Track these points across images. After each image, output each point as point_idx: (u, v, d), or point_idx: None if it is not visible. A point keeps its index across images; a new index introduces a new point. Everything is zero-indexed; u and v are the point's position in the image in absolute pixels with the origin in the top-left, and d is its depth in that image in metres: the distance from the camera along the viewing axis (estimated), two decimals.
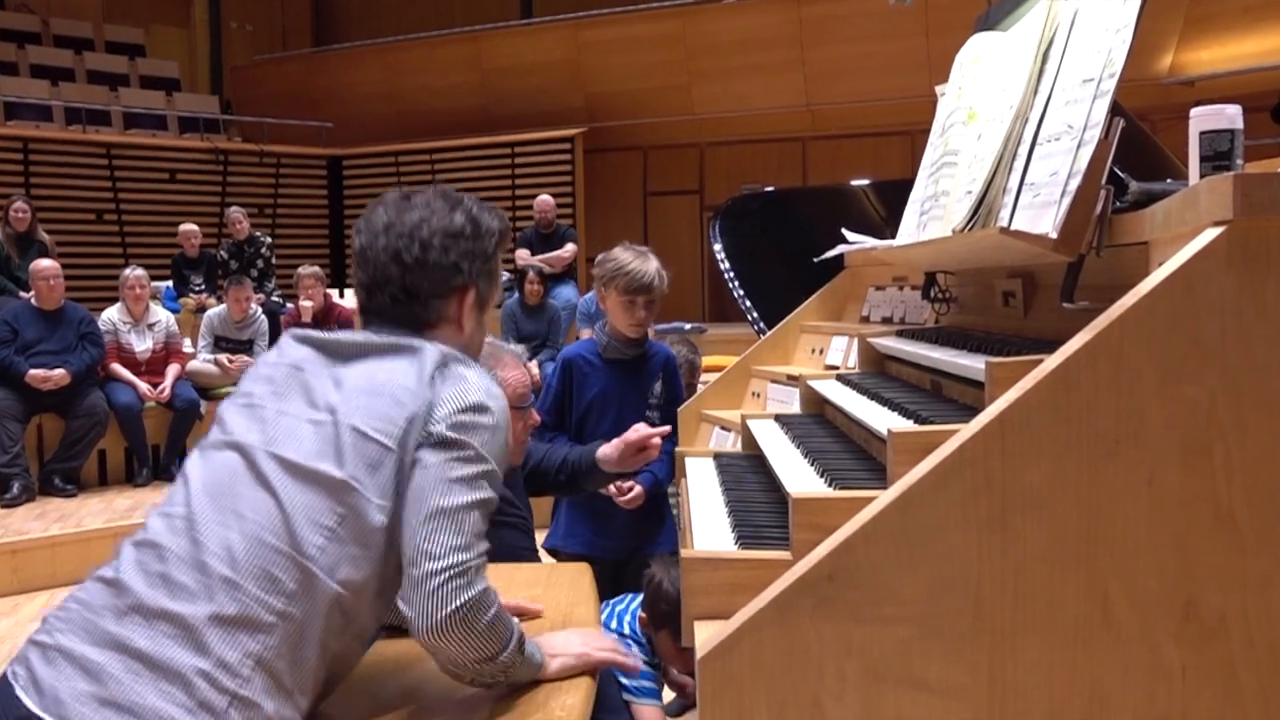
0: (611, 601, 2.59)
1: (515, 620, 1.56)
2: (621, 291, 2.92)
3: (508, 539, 2.42)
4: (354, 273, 1.70)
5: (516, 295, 8.08)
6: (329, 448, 1.48)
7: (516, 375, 2.53)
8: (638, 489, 2.80)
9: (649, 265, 2.95)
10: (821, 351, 2.98)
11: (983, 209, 1.69)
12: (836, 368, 2.75)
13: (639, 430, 2.46)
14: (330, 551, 1.43)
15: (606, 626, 2.45)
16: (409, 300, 1.64)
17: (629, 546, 2.93)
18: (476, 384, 1.55)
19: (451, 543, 1.44)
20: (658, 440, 2.43)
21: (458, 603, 1.42)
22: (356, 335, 1.62)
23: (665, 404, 3.01)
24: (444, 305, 1.66)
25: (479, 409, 1.52)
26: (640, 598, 2.53)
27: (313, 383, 1.55)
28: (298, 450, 1.48)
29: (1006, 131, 1.70)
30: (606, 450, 2.48)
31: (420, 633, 1.44)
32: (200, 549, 1.41)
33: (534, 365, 7.70)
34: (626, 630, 2.56)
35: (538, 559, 2.74)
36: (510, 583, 2.12)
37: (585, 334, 7.63)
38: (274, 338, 7.25)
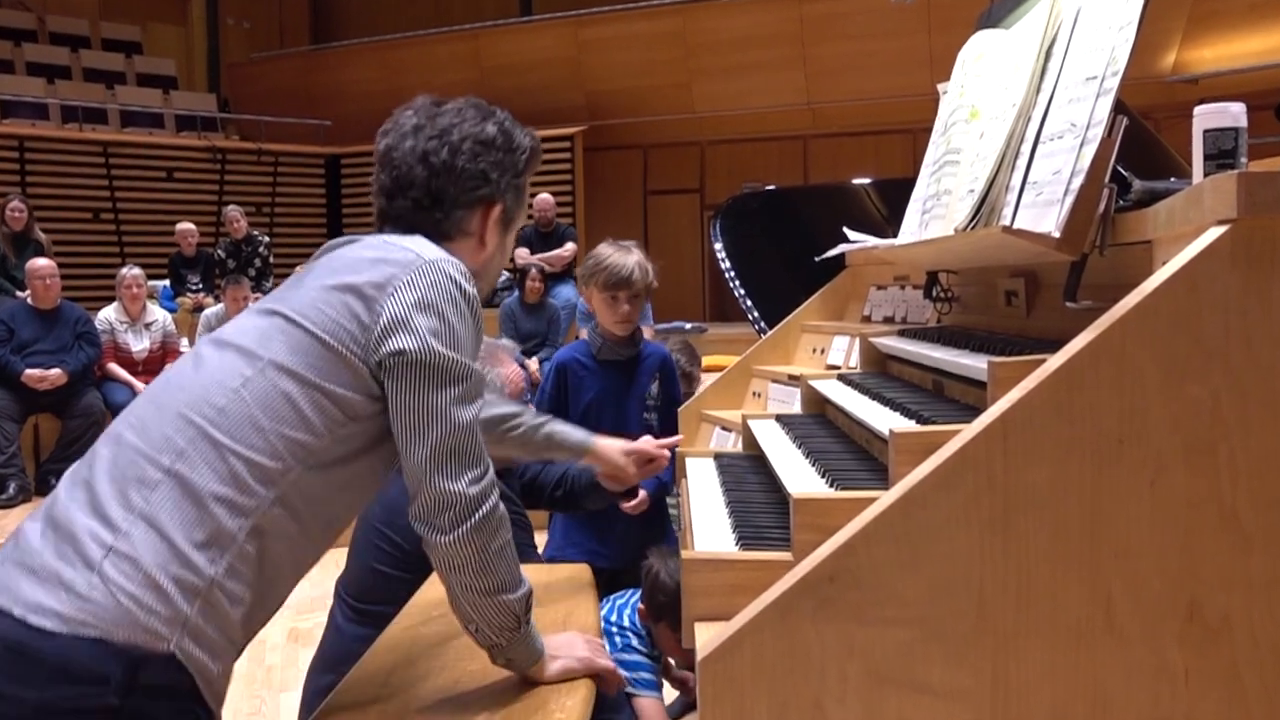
0: (612, 596, 2.59)
1: (525, 575, 1.58)
2: (602, 287, 2.88)
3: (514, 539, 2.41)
4: (375, 177, 1.66)
5: (516, 294, 8.09)
6: (263, 331, 1.49)
7: (515, 371, 2.55)
8: (642, 494, 2.77)
9: (629, 258, 2.89)
10: (823, 351, 2.97)
11: (985, 208, 1.69)
12: (838, 367, 2.75)
13: (648, 442, 2.42)
14: (231, 413, 1.43)
15: (606, 620, 2.45)
16: (432, 206, 1.61)
17: (629, 555, 2.84)
18: (447, 281, 1.51)
19: (456, 468, 1.47)
20: (666, 452, 2.40)
21: (473, 519, 1.47)
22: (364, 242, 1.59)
23: (664, 405, 2.98)
24: (468, 216, 1.63)
25: (447, 303, 1.50)
26: (640, 592, 2.53)
27: (290, 288, 1.57)
28: (234, 334, 1.52)
29: (1009, 130, 1.70)
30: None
31: (431, 546, 1.49)
32: (123, 424, 1.47)
33: (533, 363, 7.72)
34: (626, 623, 2.55)
35: (539, 558, 2.74)
36: None
37: (584, 332, 7.63)
38: None
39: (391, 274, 1.49)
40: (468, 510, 1.48)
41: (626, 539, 2.88)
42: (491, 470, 1.53)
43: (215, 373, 1.48)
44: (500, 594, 1.52)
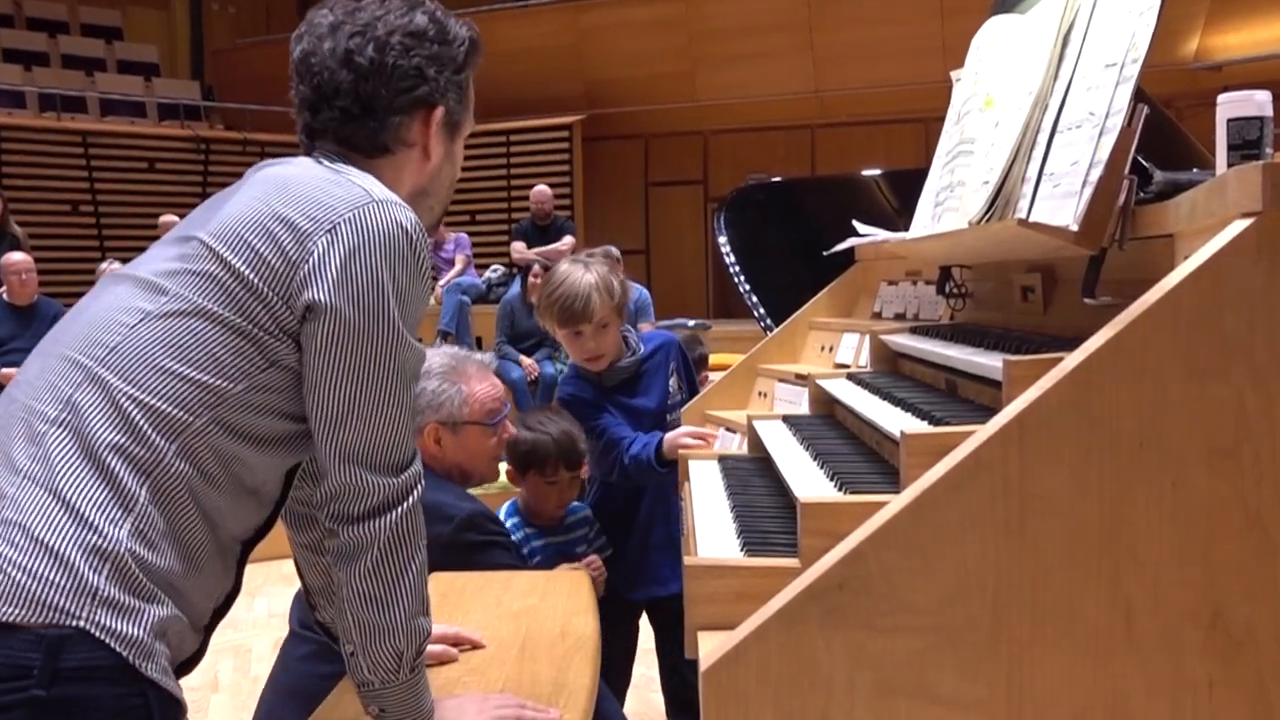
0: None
1: (429, 612, 1.46)
2: (559, 324, 2.63)
3: (499, 560, 2.39)
4: (294, 90, 1.51)
5: (517, 290, 8.07)
6: (169, 260, 1.37)
7: (484, 389, 2.46)
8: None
9: (580, 282, 2.55)
10: (831, 349, 2.97)
11: (1000, 200, 1.69)
12: (847, 366, 2.74)
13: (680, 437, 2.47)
14: (124, 351, 1.31)
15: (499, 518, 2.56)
16: (364, 114, 1.45)
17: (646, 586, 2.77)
18: (398, 231, 1.37)
19: (378, 454, 1.36)
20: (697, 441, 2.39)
21: (394, 513, 1.37)
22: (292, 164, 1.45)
23: (689, 397, 2.91)
24: (407, 124, 1.48)
25: (393, 256, 1.35)
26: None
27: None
28: (136, 264, 1.41)
29: (1025, 119, 1.70)
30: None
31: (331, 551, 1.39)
32: (12, 382, 1.40)
33: (530, 362, 7.72)
34: (508, 522, 2.67)
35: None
36: (506, 591, 2.12)
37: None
38: None
39: (332, 209, 1.35)
40: (388, 501, 1.36)
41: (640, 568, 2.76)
42: (419, 462, 1.43)
43: (106, 309, 1.36)
44: (389, 614, 1.37)
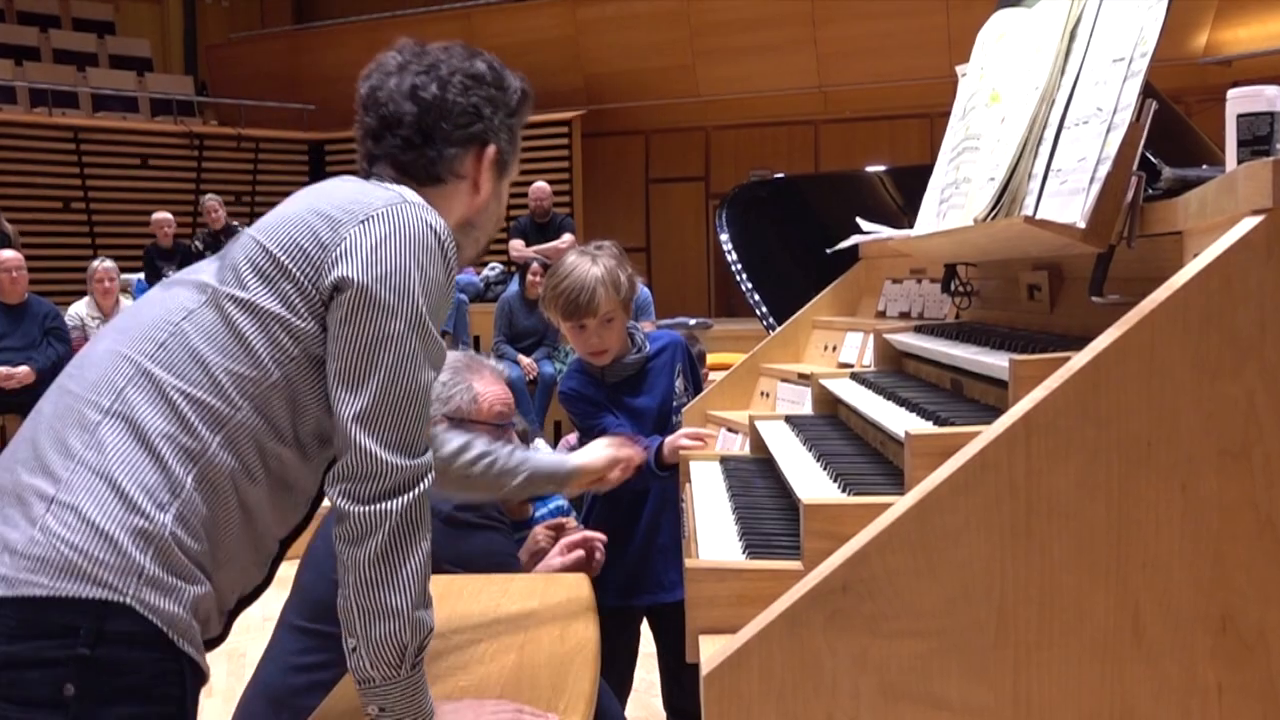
0: None
1: (432, 607, 1.50)
2: (562, 317, 2.61)
3: (496, 545, 2.40)
4: (358, 122, 1.65)
5: (516, 288, 8.06)
6: (221, 257, 1.51)
7: (495, 391, 2.46)
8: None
9: (586, 275, 2.55)
10: (834, 348, 2.98)
11: (1006, 197, 1.69)
12: (851, 366, 2.75)
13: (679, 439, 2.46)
14: (171, 347, 1.43)
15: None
16: (423, 143, 1.60)
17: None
18: (424, 227, 1.48)
19: (393, 433, 1.42)
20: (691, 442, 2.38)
21: (403, 498, 1.42)
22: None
23: (694, 399, 2.91)
24: (461, 157, 1.62)
25: (419, 245, 1.46)
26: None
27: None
28: (193, 269, 1.54)
29: (1032, 114, 1.70)
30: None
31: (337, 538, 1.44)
32: (65, 375, 1.51)
33: (529, 361, 7.71)
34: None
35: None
36: (504, 594, 2.12)
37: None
38: None
39: (367, 204, 1.48)
40: (400, 485, 1.42)
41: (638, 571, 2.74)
42: (431, 452, 1.49)
43: (159, 309, 1.49)
44: (393, 600, 1.42)
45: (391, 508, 1.42)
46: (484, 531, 2.38)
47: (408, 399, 1.44)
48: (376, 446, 1.42)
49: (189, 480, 1.39)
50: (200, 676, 1.44)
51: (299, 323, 1.45)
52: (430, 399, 1.49)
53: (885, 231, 2.98)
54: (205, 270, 1.52)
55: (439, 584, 2.08)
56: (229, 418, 1.42)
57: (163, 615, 1.36)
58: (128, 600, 1.33)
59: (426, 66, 1.61)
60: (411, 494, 1.43)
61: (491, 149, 1.64)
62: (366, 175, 1.62)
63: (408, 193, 1.53)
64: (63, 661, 1.31)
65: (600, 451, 2.22)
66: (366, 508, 1.41)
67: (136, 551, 1.34)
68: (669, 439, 2.57)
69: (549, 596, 2.14)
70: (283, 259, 1.45)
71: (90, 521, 1.34)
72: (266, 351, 1.44)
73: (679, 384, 2.80)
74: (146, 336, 1.45)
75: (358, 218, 1.46)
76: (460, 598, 2.10)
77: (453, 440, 1.95)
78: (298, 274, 1.44)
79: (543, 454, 2.02)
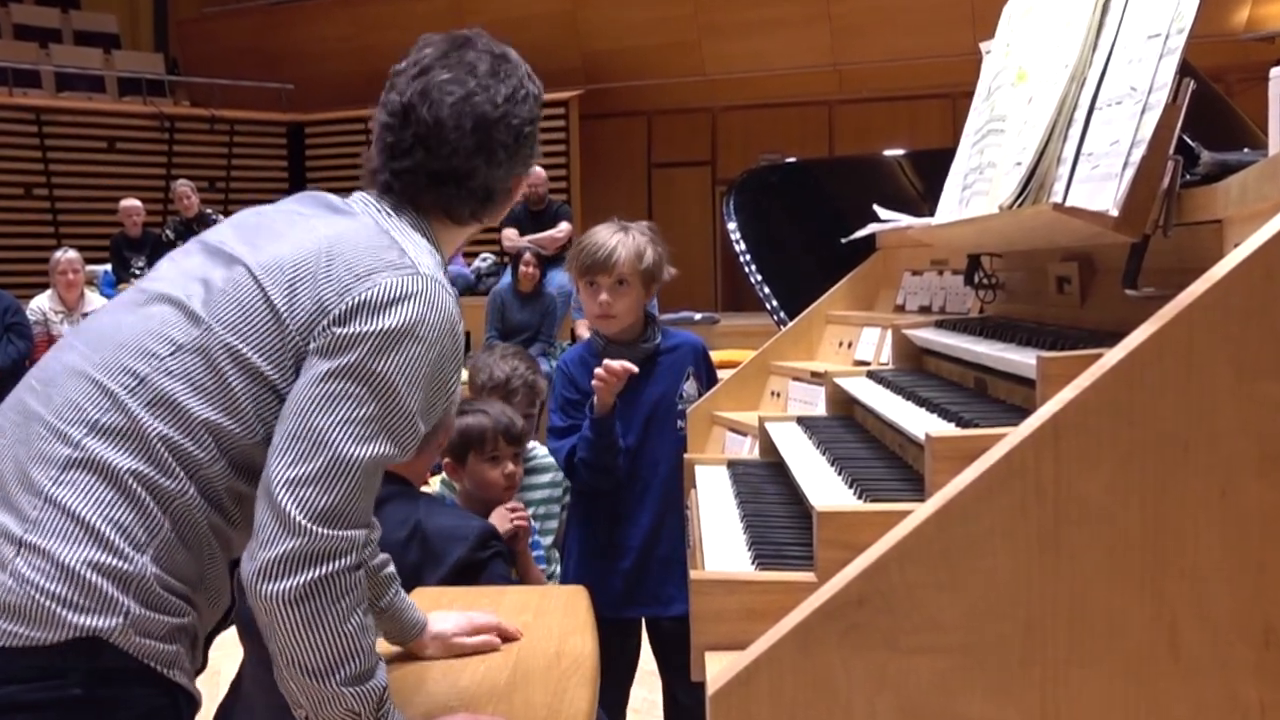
0: None
1: (381, 664, 1.48)
2: (578, 271, 2.73)
3: (500, 571, 2.42)
4: (387, 129, 1.61)
5: (508, 280, 8.05)
6: (211, 286, 1.49)
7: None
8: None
9: (613, 237, 2.69)
10: (850, 345, 2.98)
11: (1034, 182, 1.69)
12: (867, 363, 2.75)
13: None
14: (153, 384, 1.43)
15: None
16: (486, 199, 1.64)
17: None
18: (444, 313, 1.50)
19: (318, 495, 1.39)
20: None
21: (310, 574, 1.39)
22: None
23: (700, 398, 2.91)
24: (504, 193, 1.69)
25: (392, 304, 1.46)
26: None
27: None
28: (174, 279, 1.53)
29: (1061, 94, 1.70)
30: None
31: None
32: (26, 389, 1.52)
33: None
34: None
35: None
36: (498, 607, 2.13)
37: (580, 325, 7.62)
38: None
39: (384, 275, 1.48)
40: (308, 558, 1.37)
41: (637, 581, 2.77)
42: (364, 532, 1.44)
43: (142, 333, 1.47)
44: (332, 678, 1.40)
45: (305, 584, 1.38)
46: (494, 563, 2.45)
47: (349, 465, 1.41)
48: (293, 505, 1.38)
49: (165, 520, 1.41)
50: (193, 705, 1.48)
51: (287, 387, 1.46)
52: (377, 483, 1.47)
53: (904, 220, 2.98)
54: (190, 282, 1.50)
55: (426, 597, 2.09)
56: (206, 463, 1.44)
57: (150, 652, 1.39)
58: (114, 640, 1.36)
59: (504, 98, 1.64)
60: (333, 566, 1.39)
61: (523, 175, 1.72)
62: (383, 190, 1.61)
63: (421, 258, 1.52)
64: (48, 705, 1.33)
65: (459, 623, 1.96)
66: (276, 586, 1.37)
67: (117, 593, 1.37)
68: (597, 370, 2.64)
69: (544, 611, 2.15)
70: (284, 315, 1.45)
71: (64, 565, 1.35)
72: (254, 411, 1.45)
73: (690, 388, 2.85)
74: (123, 366, 1.44)
75: (375, 296, 1.45)
76: (450, 610, 2.11)
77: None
78: (298, 339, 1.45)
79: (410, 603, 1.90)
